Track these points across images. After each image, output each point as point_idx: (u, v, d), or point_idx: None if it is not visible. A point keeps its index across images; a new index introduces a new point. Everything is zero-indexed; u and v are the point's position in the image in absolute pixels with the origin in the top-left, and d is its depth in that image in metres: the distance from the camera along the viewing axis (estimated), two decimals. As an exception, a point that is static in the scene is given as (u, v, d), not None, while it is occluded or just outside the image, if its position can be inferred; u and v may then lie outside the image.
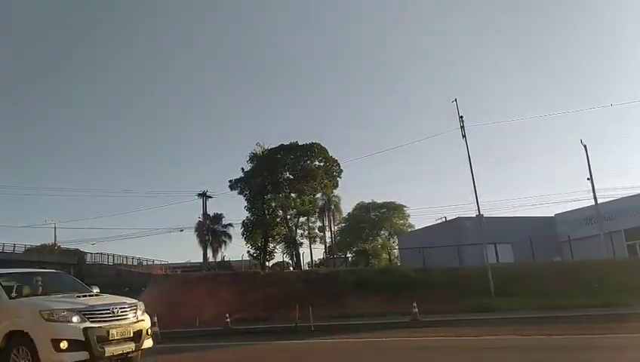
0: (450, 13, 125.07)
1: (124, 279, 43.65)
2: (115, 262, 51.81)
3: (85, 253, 50.93)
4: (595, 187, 38.37)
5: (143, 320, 9.92)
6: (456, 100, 32.47)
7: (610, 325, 14.30)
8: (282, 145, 50.99)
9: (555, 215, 47.04)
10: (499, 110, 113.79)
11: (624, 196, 41.28)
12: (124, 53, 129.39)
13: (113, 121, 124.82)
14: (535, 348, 11.52)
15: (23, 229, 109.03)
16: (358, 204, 68.39)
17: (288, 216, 52.49)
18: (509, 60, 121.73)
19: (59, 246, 56.53)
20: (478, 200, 31.77)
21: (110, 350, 8.95)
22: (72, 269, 47.38)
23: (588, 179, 38.39)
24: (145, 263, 56.22)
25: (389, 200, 68.67)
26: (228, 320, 26.13)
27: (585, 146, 38.28)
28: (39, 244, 57.96)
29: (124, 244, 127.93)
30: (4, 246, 46.68)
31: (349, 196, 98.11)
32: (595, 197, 38.45)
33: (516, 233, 39.70)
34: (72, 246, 54.81)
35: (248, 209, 50.74)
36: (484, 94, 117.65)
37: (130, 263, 53.97)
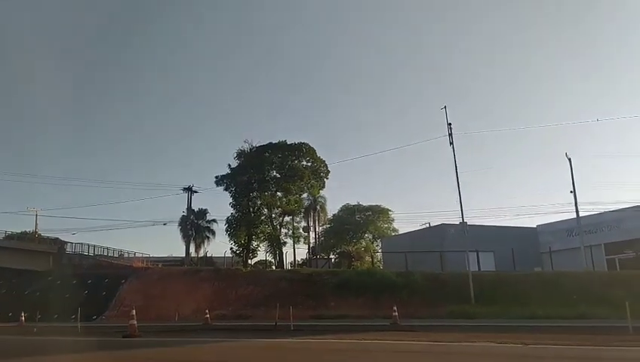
0: (441, 22, 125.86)
1: (105, 270, 43.28)
2: (96, 253, 51.36)
3: (66, 243, 50.38)
4: (578, 200, 38.73)
5: None
6: (445, 108, 32.74)
7: (585, 336, 14.47)
8: (270, 143, 50.95)
9: (538, 226, 47.45)
10: (486, 119, 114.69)
11: (606, 210, 41.73)
12: (113, 45, 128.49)
13: (100, 111, 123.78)
14: (508, 355, 11.63)
15: (2, 215, 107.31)
16: (343, 206, 68.48)
17: (273, 215, 52.39)
18: (499, 71, 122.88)
19: (39, 235, 55.87)
20: (463, 207, 32.05)
21: None
22: (52, 258, 46.93)
23: (571, 191, 38.71)
24: (126, 255, 55.77)
25: (374, 204, 68.85)
26: (207, 316, 26.06)
27: (569, 159, 38.64)
28: (20, 231, 57.33)
29: (106, 235, 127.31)
30: (-17, 231, 46.06)
31: (335, 197, 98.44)
32: (577, 210, 38.79)
33: (498, 242, 40.02)
34: (53, 235, 54.11)
35: (233, 205, 50.63)
36: (474, 103, 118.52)
37: (112, 255, 53.56)
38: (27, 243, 49.98)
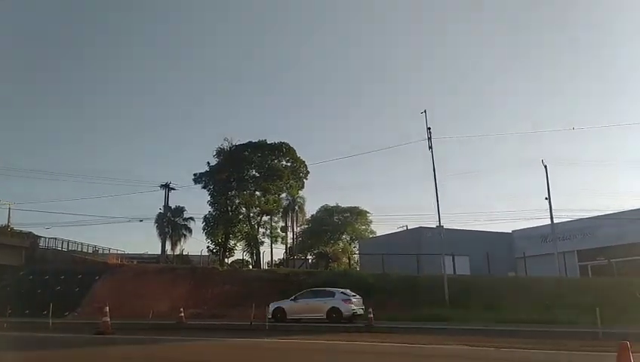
0: (423, 25, 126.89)
1: (78, 266, 42.66)
2: (70, 248, 50.47)
3: (39, 237, 49.41)
4: (553, 207, 39.29)
5: None
6: (425, 112, 32.92)
7: (556, 341, 14.70)
8: (250, 142, 50.75)
9: (513, 231, 48.09)
10: (466, 124, 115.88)
11: (580, 218, 42.45)
12: (92, 39, 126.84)
13: (77, 105, 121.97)
14: (480, 358, 11.80)
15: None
16: (322, 207, 68.57)
17: (251, 214, 52.26)
18: (479, 76, 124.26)
19: (12, 228, 54.74)
20: (440, 211, 32.30)
21: None
22: (24, 253, 46.09)
23: (546, 198, 39.25)
24: (101, 251, 55.01)
25: (353, 205, 69.11)
26: (182, 314, 25.84)
27: (545, 166, 39.20)
28: (-9, 225, 56.02)
29: (81, 231, 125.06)
30: (-47, 223, 44.94)
31: (314, 198, 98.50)
32: (551, 217, 39.33)
33: (474, 246, 40.42)
34: (26, 229, 53.03)
35: (211, 204, 50.33)
36: (454, 107, 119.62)
37: (86, 250, 52.75)
38: (-1, 236, 48.99)
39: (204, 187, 50.39)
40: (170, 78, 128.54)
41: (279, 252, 60.46)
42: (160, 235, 51.08)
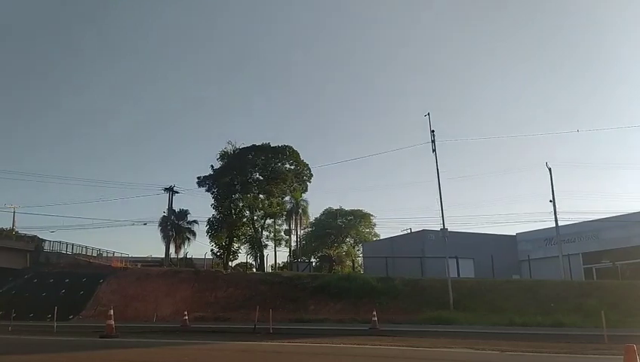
0: (428, 29, 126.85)
1: (83, 269, 42.75)
2: (75, 251, 50.69)
3: (44, 241, 49.59)
4: (557, 209, 39.16)
5: None
6: (429, 114, 32.87)
7: (561, 344, 14.63)
8: (254, 145, 50.67)
9: (517, 234, 47.91)
10: (467, 127, 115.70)
11: (584, 220, 42.23)
12: (94, 41, 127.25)
13: (81, 109, 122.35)
14: (486, 362, 11.74)
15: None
16: (325, 210, 68.51)
17: (255, 217, 52.26)
18: (481, 79, 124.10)
19: (17, 232, 54.92)
20: (444, 214, 32.25)
21: None
22: (29, 256, 46.22)
23: (550, 201, 39.16)
24: (105, 255, 55.13)
25: (356, 208, 69.00)
26: (186, 317, 25.83)
27: (550, 169, 39.13)
28: (-4, 228, 56.22)
29: (85, 234, 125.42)
30: (-42, 227, 45.18)
31: (318, 201, 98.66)
32: (556, 220, 39.22)
33: (478, 249, 40.32)
34: (31, 233, 53.22)
35: (215, 207, 50.30)
36: (458, 110, 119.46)
37: (90, 254, 52.89)
38: (4, 240, 49.06)
39: (207, 190, 50.39)
40: (173, 81, 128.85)
41: (283, 255, 60.62)
42: (164, 238, 51.20)
